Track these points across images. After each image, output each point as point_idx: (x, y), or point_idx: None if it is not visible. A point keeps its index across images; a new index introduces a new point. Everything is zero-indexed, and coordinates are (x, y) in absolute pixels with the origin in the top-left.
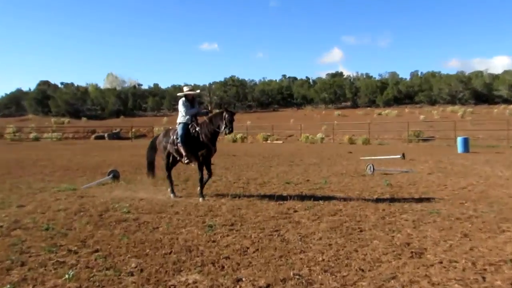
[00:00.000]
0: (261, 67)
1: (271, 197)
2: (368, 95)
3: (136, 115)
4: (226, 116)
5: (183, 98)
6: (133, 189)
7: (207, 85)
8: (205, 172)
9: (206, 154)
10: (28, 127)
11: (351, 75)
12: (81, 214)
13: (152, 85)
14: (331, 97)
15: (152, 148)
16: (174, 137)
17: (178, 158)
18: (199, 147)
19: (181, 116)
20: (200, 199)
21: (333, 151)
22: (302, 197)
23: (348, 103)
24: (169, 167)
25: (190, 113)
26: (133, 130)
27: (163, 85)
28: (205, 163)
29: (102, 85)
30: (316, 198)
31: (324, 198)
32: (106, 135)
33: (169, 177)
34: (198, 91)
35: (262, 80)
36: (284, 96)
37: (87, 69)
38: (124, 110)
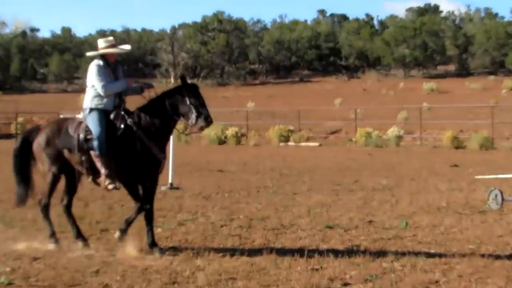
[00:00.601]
0: None
1: (296, 255)
2: (490, 51)
3: (25, 90)
4: (187, 93)
5: (99, 62)
6: (20, 237)
7: (168, 32)
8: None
9: (147, 169)
10: None
11: (456, 12)
12: None
13: (58, 32)
14: (417, 55)
15: (23, 157)
16: (82, 135)
17: (85, 174)
18: (134, 156)
19: (94, 95)
20: (117, 233)
21: (421, 163)
22: (358, 256)
23: (451, 68)
24: (54, 188)
25: (112, 90)
26: (20, 119)
27: (80, 32)
28: (145, 187)
29: None
30: (387, 257)
31: (405, 257)
32: None
33: (47, 207)
34: (128, 47)
35: (277, 20)
36: (321, 52)
37: None
38: (2, 80)
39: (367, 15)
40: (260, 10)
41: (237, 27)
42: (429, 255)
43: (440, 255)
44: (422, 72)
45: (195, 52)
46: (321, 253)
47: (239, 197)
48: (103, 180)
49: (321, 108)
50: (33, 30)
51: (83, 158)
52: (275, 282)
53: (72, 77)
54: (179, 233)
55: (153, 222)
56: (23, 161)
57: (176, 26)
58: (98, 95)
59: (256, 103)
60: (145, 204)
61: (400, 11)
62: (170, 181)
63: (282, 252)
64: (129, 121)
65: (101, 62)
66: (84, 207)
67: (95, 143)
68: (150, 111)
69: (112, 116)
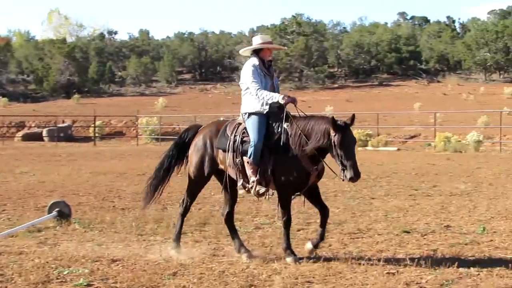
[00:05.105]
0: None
1: (372, 260)
2: None
3: (104, 93)
4: (335, 137)
5: (255, 61)
6: (99, 241)
7: (246, 34)
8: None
9: (296, 179)
10: None
11: None
12: None
13: (136, 35)
14: (499, 58)
15: (174, 156)
16: (239, 138)
17: (235, 177)
18: (285, 163)
19: (252, 99)
20: (289, 258)
21: (500, 168)
22: (435, 261)
23: None
24: (198, 192)
25: (265, 98)
26: (98, 122)
27: (158, 35)
28: (311, 195)
29: (40, 33)
30: (463, 262)
31: (482, 263)
32: (45, 131)
33: (186, 212)
34: (285, 48)
35: (357, 23)
36: (401, 55)
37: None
38: (81, 84)
39: (448, 17)
40: (340, 13)
41: (316, 30)
42: (506, 260)
43: None
44: (503, 76)
45: (273, 55)
46: (397, 257)
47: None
48: (254, 186)
49: (400, 112)
50: (111, 32)
51: (236, 160)
52: (351, 286)
53: (150, 80)
54: (256, 236)
55: (325, 227)
56: (173, 160)
57: (255, 28)
58: (256, 99)
59: (335, 107)
60: (288, 220)
61: (482, 14)
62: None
63: (359, 256)
64: (285, 125)
65: (256, 62)
66: (162, 210)
67: (250, 150)
68: (307, 125)
69: (271, 122)
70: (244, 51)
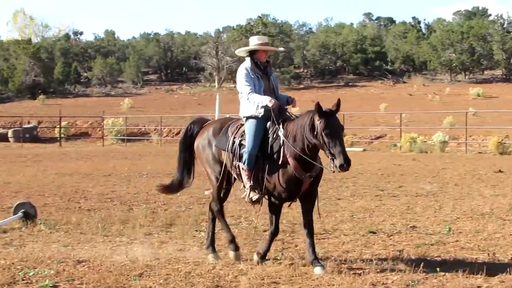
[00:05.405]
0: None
1: (338, 260)
2: None
3: (69, 94)
4: (320, 123)
5: (248, 64)
6: (65, 242)
7: (212, 35)
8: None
9: (287, 186)
10: None
11: (505, 16)
12: None
13: (101, 35)
14: (464, 59)
15: (185, 149)
16: (238, 140)
17: (237, 179)
18: (275, 170)
19: (248, 103)
20: (255, 257)
21: (465, 168)
22: (401, 261)
23: (497, 72)
24: (221, 190)
25: (255, 102)
26: (64, 123)
27: (124, 35)
28: (303, 201)
29: (5, 34)
30: (429, 262)
31: (448, 263)
32: (10, 132)
33: (221, 212)
34: (281, 49)
35: (323, 23)
36: (367, 56)
37: None
38: (46, 84)
39: (414, 18)
40: (306, 13)
41: (282, 31)
42: (472, 260)
43: (482, 261)
44: (468, 77)
45: (239, 56)
46: (363, 258)
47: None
48: (247, 192)
49: (366, 113)
50: (77, 33)
51: (234, 163)
52: (317, 286)
53: (116, 80)
54: (222, 237)
55: (314, 237)
56: (185, 152)
57: (221, 29)
58: (253, 103)
59: (301, 108)
60: (277, 232)
61: (448, 15)
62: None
63: (325, 257)
64: (280, 134)
65: (249, 64)
66: (128, 211)
67: (245, 156)
68: (295, 125)
69: (268, 124)
70: (240, 51)
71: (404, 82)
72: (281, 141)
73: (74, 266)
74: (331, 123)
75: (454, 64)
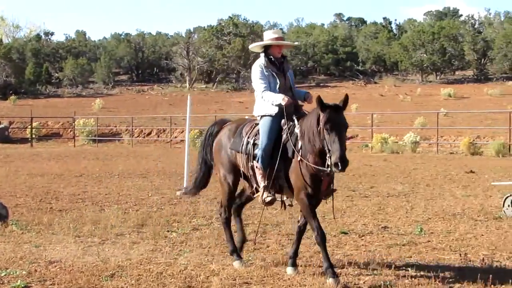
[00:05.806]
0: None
1: (310, 261)
2: (509, 56)
3: (40, 95)
4: (322, 118)
5: (262, 61)
6: (36, 242)
7: (183, 36)
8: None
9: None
10: None
11: (476, 16)
12: None
13: (72, 36)
14: (435, 60)
15: (206, 149)
16: (252, 140)
17: (251, 181)
18: (291, 168)
19: (263, 103)
20: (330, 280)
21: (436, 169)
22: (372, 261)
23: (469, 73)
24: (231, 198)
25: (269, 99)
26: (35, 124)
27: (95, 36)
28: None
29: None
30: (401, 263)
31: (420, 263)
32: None
33: (228, 221)
34: (297, 43)
35: (294, 24)
36: (338, 56)
37: None
38: (17, 85)
39: (385, 19)
40: (276, 14)
41: (253, 31)
42: (443, 261)
43: (454, 261)
44: (440, 77)
45: (210, 56)
46: (335, 258)
47: (255, 203)
48: (261, 192)
49: None
50: (48, 33)
51: (249, 164)
52: (289, 287)
53: (87, 81)
54: (193, 237)
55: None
56: (205, 153)
57: (192, 29)
58: (267, 100)
59: None
60: (323, 236)
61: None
62: (185, 185)
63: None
64: (297, 129)
65: (264, 61)
66: (99, 211)
67: (258, 154)
68: (308, 124)
69: (283, 121)
70: (253, 47)
71: (375, 83)
72: (298, 137)
73: (46, 267)
74: (333, 118)
75: (425, 65)
